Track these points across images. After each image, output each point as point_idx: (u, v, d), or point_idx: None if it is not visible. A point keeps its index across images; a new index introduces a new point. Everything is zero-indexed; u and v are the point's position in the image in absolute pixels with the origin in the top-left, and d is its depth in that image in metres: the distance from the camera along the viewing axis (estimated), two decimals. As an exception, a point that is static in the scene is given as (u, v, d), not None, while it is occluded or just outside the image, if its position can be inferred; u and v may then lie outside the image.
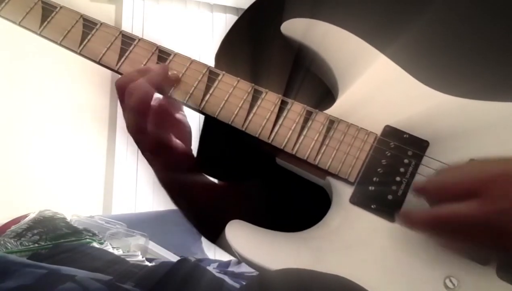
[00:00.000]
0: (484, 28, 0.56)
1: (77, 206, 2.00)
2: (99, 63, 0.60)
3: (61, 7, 0.62)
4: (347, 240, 0.49)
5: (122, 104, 0.59)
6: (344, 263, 0.47)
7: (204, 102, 0.57)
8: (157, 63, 0.60)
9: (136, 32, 2.53)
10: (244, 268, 1.29)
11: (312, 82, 0.62)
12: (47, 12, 0.61)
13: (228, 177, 0.77)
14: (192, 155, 0.66)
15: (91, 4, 2.39)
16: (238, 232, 0.51)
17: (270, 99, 0.56)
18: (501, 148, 0.48)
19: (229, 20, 2.71)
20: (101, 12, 2.42)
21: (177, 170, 0.63)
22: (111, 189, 2.32)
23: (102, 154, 2.34)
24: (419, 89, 0.55)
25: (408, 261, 0.47)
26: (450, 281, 0.44)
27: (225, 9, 2.72)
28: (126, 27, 2.45)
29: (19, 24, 0.61)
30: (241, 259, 0.51)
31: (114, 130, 2.35)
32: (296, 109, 0.56)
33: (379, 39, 0.58)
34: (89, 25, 0.62)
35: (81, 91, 2.23)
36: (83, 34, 0.61)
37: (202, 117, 0.63)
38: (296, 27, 0.61)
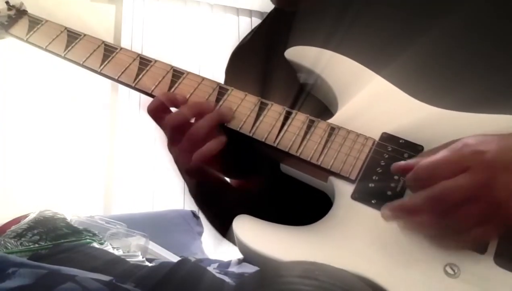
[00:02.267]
0: (468, 52, 0.62)
1: (77, 206, 2.00)
2: (118, 81, 0.66)
3: (84, 35, 0.71)
4: (350, 233, 0.52)
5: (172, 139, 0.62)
6: (347, 254, 0.49)
7: None
8: (172, 81, 0.65)
9: (136, 32, 2.52)
10: (245, 268, 1.29)
11: (312, 101, 0.67)
12: (72, 38, 0.71)
13: (230, 175, 0.78)
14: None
15: (91, 4, 2.39)
16: (245, 226, 0.54)
17: (275, 109, 0.62)
18: None
19: (229, 20, 2.71)
20: (101, 12, 2.43)
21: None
22: (111, 189, 2.32)
23: (102, 154, 2.34)
24: (410, 103, 0.60)
25: (408, 251, 0.49)
26: (450, 268, 0.46)
27: (225, 9, 2.72)
28: (126, 27, 2.45)
29: (45, 49, 0.70)
30: (245, 253, 0.52)
31: (115, 131, 2.36)
32: (300, 118, 0.61)
33: (374, 62, 0.64)
34: (110, 49, 0.69)
35: (82, 91, 2.23)
36: (104, 57, 0.68)
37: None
38: (298, 53, 0.68)
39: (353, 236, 0.51)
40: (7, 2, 0.74)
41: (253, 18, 2.74)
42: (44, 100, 2.21)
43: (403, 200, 0.50)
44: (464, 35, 0.62)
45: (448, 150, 0.47)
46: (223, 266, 1.40)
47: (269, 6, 0.84)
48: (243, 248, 0.52)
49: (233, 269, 1.33)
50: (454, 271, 0.46)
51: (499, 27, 0.62)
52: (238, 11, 2.75)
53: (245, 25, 2.67)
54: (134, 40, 2.43)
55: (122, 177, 2.33)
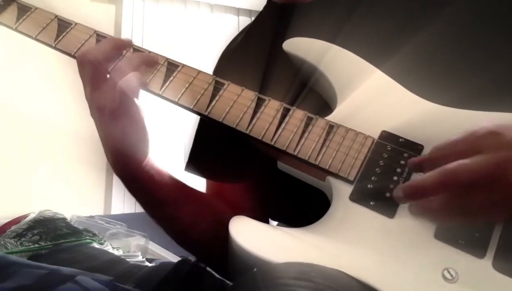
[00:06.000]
0: (467, 50, 0.61)
1: (77, 206, 2.00)
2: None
3: (76, 24, 0.67)
4: (348, 235, 0.51)
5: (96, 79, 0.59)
6: (344, 257, 0.49)
7: (210, 108, 0.60)
8: (167, 72, 0.63)
9: (136, 32, 2.52)
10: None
11: (310, 96, 0.66)
12: (62, 27, 0.67)
13: (221, 177, 0.77)
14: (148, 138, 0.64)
15: (91, 4, 2.39)
16: (240, 227, 0.53)
17: (273, 106, 0.60)
18: None
19: (230, 20, 2.71)
20: (101, 12, 2.43)
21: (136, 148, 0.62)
22: (111, 188, 2.32)
23: (102, 154, 2.34)
24: (412, 100, 0.59)
25: (406, 254, 0.48)
26: (448, 272, 0.46)
27: (225, 9, 2.72)
28: (126, 27, 2.45)
29: (35, 38, 0.66)
30: (240, 254, 0.51)
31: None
32: (297, 115, 0.59)
33: (375, 56, 0.62)
34: (102, 39, 0.66)
35: (82, 91, 2.23)
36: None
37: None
38: (297, 45, 0.66)
39: (350, 238, 0.50)
40: None
41: (253, 18, 2.74)
42: (45, 100, 2.20)
43: (415, 179, 0.48)
44: (470, 30, 0.61)
45: (464, 132, 0.46)
46: (223, 266, 1.40)
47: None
48: (238, 249, 0.51)
49: (233, 269, 1.33)
50: (452, 275, 0.45)
51: (507, 22, 0.60)
52: (238, 11, 2.75)
53: (245, 25, 2.66)
54: (134, 40, 2.43)
55: (122, 177, 2.33)
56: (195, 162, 0.77)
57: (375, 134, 0.57)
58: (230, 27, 2.67)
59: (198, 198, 0.72)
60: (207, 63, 2.40)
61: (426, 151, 0.54)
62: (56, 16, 0.68)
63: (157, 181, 0.64)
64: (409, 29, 0.63)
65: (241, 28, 0.87)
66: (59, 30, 0.66)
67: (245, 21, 2.71)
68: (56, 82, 2.20)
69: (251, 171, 0.72)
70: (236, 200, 0.74)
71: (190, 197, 0.70)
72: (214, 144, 0.75)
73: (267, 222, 0.53)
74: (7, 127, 2.09)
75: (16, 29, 0.67)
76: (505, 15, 0.61)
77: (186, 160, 0.77)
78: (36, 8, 0.69)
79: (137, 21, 2.48)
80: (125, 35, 2.43)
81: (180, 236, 0.71)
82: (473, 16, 0.61)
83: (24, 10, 0.68)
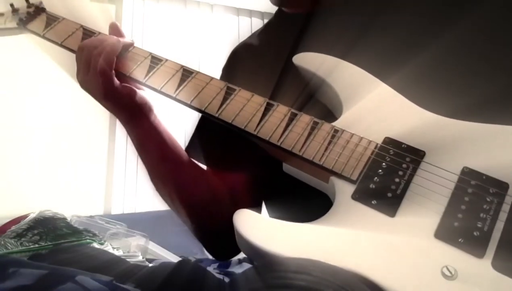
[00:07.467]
0: (469, 63, 0.63)
1: (77, 206, 2.00)
2: (128, 77, 0.70)
3: (99, 33, 0.74)
4: (349, 232, 0.52)
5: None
6: (344, 252, 0.50)
7: (221, 110, 0.64)
8: (181, 79, 0.68)
9: (136, 32, 2.52)
10: (245, 268, 1.29)
11: (316, 104, 0.69)
12: (86, 36, 0.74)
13: (218, 165, 0.78)
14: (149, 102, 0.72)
15: (91, 4, 2.39)
16: (244, 219, 0.54)
17: (281, 110, 0.63)
18: (484, 160, 0.54)
19: (230, 20, 2.71)
20: (101, 12, 2.43)
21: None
22: (111, 189, 2.32)
23: (102, 154, 2.34)
24: (414, 110, 0.61)
25: (407, 252, 0.49)
26: (447, 269, 0.47)
27: (225, 9, 2.72)
28: (126, 27, 2.45)
29: (60, 44, 0.74)
30: (243, 246, 0.52)
31: (114, 130, 2.35)
32: (304, 119, 0.62)
33: (380, 70, 0.65)
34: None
35: (82, 91, 2.23)
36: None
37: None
38: (306, 59, 0.69)
39: (351, 235, 0.51)
40: (26, 0, 0.81)
41: (253, 18, 2.75)
42: (45, 99, 2.20)
43: None
44: (473, 44, 0.63)
45: None
46: (223, 266, 1.40)
47: (269, 7, 0.84)
48: (241, 241, 0.52)
49: (233, 269, 1.33)
50: (451, 272, 0.46)
51: (510, 35, 0.62)
52: (238, 11, 2.75)
53: (245, 25, 2.67)
54: (134, 40, 2.43)
55: (122, 177, 2.33)
56: (195, 145, 0.80)
57: (379, 140, 0.59)
58: (230, 27, 2.67)
59: (198, 169, 0.76)
60: (207, 63, 2.40)
61: (428, 157, 0.56)
62: (81, 26, 0.75)
63: (164, 138, 0.72)
64: (415, 44, 0.65)
65: (241, 28, 0.89)
66: (83, 38, 0.73)
67: (245, 21, 2.71)
68: (56, 81, 2.20)
69: (252, 167, 0.73)
70: (233, 186, 0.76)
71: (190, 164, 0.75)
72: (217, 133, 0.76)
73: (260, 212, 0.55)
74: (7, 127, 2.09)
75: (43, 36, 0.75)
76: (509, 29, 0.63)
77: (188, 142, 0.81)
78: (63, 19, 0.77)
79: (137, 21, 2.49)
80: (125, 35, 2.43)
81: (174, 195, 0.75)
82: (477, 30, 0.63)
83: (52, 20, 0.77)
